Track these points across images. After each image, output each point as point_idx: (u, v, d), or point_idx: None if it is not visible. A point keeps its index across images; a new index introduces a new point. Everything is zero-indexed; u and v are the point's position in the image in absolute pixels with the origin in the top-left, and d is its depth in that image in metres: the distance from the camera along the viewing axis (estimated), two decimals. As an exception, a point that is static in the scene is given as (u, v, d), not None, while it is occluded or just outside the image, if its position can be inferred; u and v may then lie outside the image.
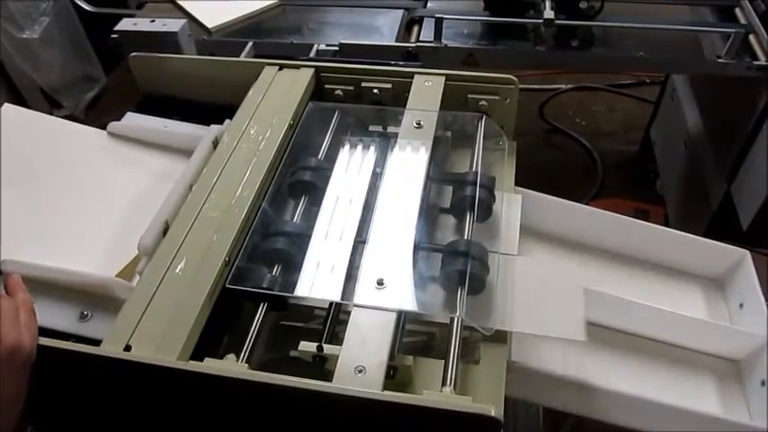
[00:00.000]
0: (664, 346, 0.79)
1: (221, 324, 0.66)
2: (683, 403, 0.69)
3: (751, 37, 1.28)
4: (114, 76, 2.26)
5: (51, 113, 2.30)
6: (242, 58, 1.14)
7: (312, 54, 1.24)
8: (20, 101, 2.22)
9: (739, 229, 1.36)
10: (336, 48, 1.26)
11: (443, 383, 0.57)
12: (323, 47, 1.26)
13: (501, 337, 0.65)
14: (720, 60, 1.27)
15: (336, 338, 0.62)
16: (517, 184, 0.85)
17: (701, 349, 0.78)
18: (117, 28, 1.11)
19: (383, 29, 1.35)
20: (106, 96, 2.31)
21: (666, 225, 1.72)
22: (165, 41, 1.07)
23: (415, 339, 0.68)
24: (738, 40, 1.25)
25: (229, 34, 1.34)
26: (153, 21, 1.09)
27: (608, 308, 0.77)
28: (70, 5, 2.03)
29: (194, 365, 0.55)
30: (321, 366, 0.60)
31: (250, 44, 1.22)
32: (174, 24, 1.08)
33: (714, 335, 0.77)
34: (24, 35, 2.05)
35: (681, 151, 1.71)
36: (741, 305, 0.82)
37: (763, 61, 1.25)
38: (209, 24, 1.33)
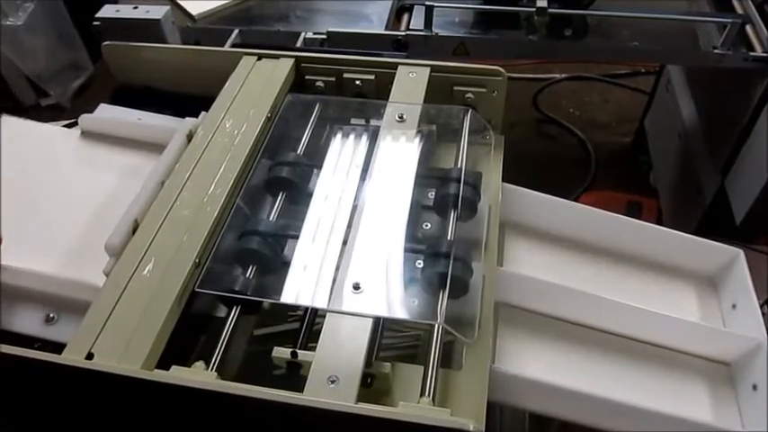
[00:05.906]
0: (654, 348, 0.76)
1: (193, 328, 0.64)
2: (674, 409, 0.67)
3: (748, 28, 1.25)
4: (102, 64, 2.22)
5: (38, 102, 2.27)
6: (227, 46, 1.11)
7: (299, 42, 1.20)
8: (5, 90, 2.19)
9: (732, 223, 1.33)
10: (324, 36, 1.22)
11: (422, 394, 0.55)
12: (310, 35, 1.23)
13: (484, 343, 0.63)
14: (716, 51, 1.24)
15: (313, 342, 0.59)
16: (509, 174, 0.81)
17: (691, 351, 0.76)
18: (99, 15, 1.07)
19: (372, 17, 1.32)
20: (93, 84, 2.27)
21: (660, 218, 1.71)
22: (147, 29, 1.03)
23: (398, 346, 0.66)
24: (735, 31, 1.22)
25: (215, 22, 1.30)
26: (136, 7, 1.06)
27: (595, 309, 0.74)
28: (55, -9, 1.99)
29: (159, 375, 0.53)
30: (296, 372, 0.58)
31: (236, 32, 1.18)
32: (156, 11, 1.04)
33: (704, 337, 0.75)
34: (9, 22, 2.01)
35: (675, 143, 1.68)
36: (734, 306, 0.79)
37: (759, 52, 1.22)
38: (194, 11, 1.29)
